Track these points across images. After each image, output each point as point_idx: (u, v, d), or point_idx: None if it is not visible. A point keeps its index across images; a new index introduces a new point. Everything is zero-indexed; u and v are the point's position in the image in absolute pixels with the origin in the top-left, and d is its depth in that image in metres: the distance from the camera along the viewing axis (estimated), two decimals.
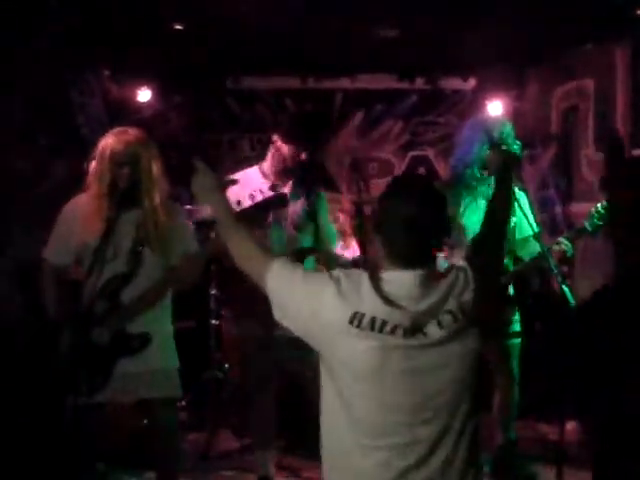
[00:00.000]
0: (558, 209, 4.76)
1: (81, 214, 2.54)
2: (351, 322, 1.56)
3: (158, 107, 5.24)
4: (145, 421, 3.22)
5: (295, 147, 3.14)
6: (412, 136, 5.66)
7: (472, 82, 5.48)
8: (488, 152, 3.06)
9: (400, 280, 1.60)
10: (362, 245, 3.61)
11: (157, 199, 2.54)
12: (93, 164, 2.54)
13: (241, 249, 1.77)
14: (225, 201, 1.84)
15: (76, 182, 2.67)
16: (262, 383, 3.21)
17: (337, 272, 1.65)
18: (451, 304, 1.59)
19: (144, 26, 4.15)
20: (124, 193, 2.48)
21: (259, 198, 3.10)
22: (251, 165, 3.38)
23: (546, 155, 4.97)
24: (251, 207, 2.99)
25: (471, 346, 1.60)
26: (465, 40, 4.32)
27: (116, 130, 2.57)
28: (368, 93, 5.45)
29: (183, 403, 4.21)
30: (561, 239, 3.12)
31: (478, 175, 3.16)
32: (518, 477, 3.41)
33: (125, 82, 5.07)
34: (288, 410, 3.54)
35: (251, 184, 3.17)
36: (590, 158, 4.56)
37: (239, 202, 3.04)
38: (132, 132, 2.56)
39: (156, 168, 2.55)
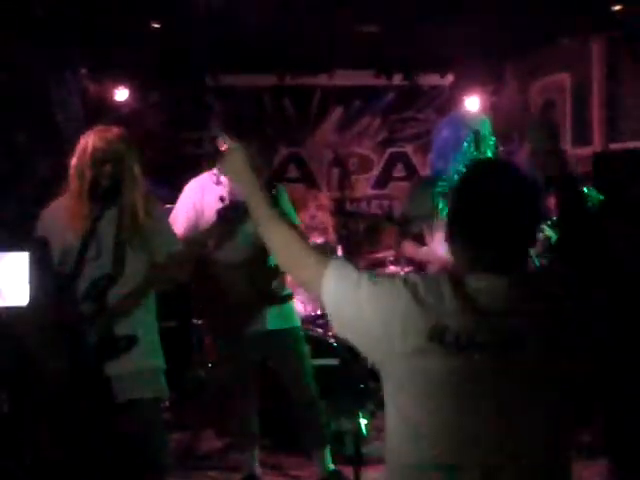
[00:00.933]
0: None
1: (62, 216, 2.50)
2: (431, 338, 1.29)
3: (136, 105, 5.20)
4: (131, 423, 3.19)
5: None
6: (390, 132, 5.68)
7: (450, 78, 5.51)
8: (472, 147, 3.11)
9: (491, 287, 1.32)
10: (346, 241, 3.61)
11: (138, 197, 2.52)
12: (74, 161, 2.50)
13: (285, 248, 1.45)
14: (257, 184, 1.51)
15: (58, 180, 2.63)
16: (240, 383, 3.20)
17: (413, 277, 1.37)
18: (551, 316, 1.32)
19: (122, 24, 4.11)
20: (105, 191, 2.45)
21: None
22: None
23: (523, 150, 5.01)
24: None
25: (565, 362, 1.32)
26: (442, 36, 4.35)
27: (97, 128, 2.54)
28: (346, 89, 5.46)
29: (166, 403, 4.18)
30: (544, 226, 3.16)
31: (460, 171, 3.19)
32: None
33: (103, 80, 5.03)
34: (273, 408, 3.53)
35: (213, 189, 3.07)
36: (568, 152, 4.61)
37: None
38: (114, 130, 2.53)
39: (137, 167, 2.53)
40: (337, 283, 1.38)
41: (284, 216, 1.49)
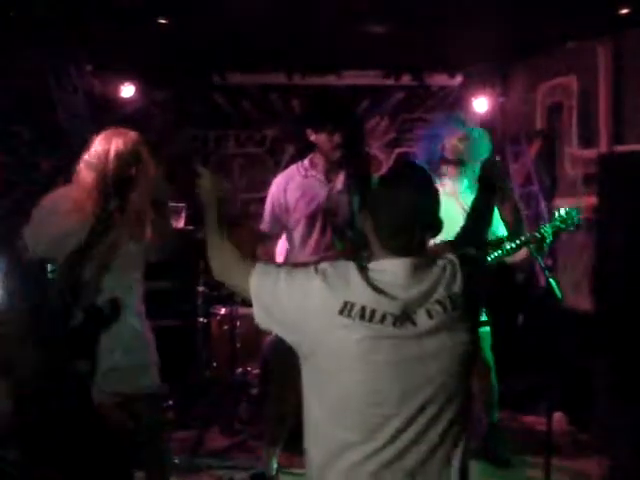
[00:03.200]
0: (542, 205, 4.81)
1: (64, 205, 2.49)
2: (341, 312, 1.54)
3: (142, 103, 5.21)
4: (129, 419, 3.21)
5: (327, 133, 2.99)
6: (399, 133, 5.68)
7: (458, 78, 5.50)
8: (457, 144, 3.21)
9: (390, 268, 1.60)
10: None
11: (147, 199, 2.55)
12: (91, 159, 2.51)
13: (222, 259, 1.77)
14: (217, 210, 1.84)
15: (61, 177, 2.65)
16: (290, 378, 3.17)
17: (323, 265, 1.63)
18: (440, 294, 1.58)
19: (128, 21, 4.11)
20: (119, 190, 2.49)
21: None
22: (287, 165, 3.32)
23: (530, 151, 5.02)
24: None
25: (461, 339, 1.59)
26: (451, 36, 4.35)
27: (115, 130, 2.56)
28: (354, 90, 5.45)
29: (170, 402, 4.19)
30: (541, 227, 3.22)
31: (444, 169, 3.28)
32: (501, 459, 3.48)
33: (108, 78, 5.03)
34: None
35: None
36: (574, 154, 4.61)
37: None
38: (132, 133, 2.57)
39: (149, 168, 2.57)
40: (260, 280, 1.66)
41: (229, 242, 1.78)
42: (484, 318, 3.43)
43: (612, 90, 4.28)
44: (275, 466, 3.22)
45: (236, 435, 3.94)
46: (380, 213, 1.64)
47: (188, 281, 4.37)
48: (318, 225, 3.06)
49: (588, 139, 4.48)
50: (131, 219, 2.51)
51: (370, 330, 1.53)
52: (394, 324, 1.54)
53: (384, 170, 5.67)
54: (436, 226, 1.68)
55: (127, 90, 5.09)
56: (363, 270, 1.60)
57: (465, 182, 3.43)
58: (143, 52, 4.70)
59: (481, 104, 5.14)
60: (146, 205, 2.56)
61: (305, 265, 1.68)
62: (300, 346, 1.63)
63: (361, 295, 1.55)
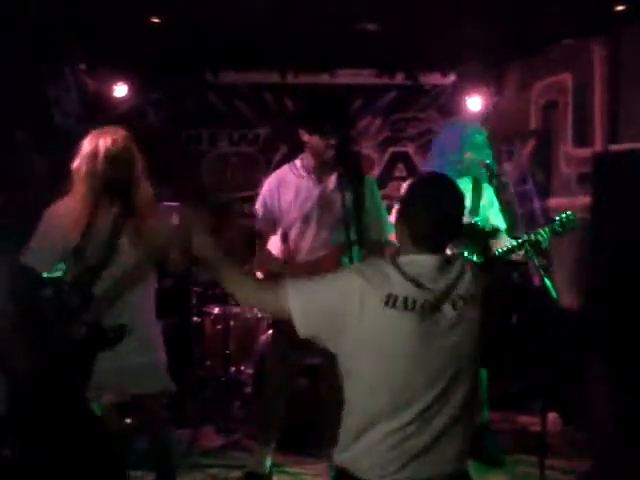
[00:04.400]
0: (537, 204, 4.81)
1: (66, 216, 2.51)
2: (387, 303, 1.70)
3: (135, 102, 5.20)
4: (128, 420, 3.20)
5: (323, 136, 2.98)
6: (392, 132, 5.67)
7: (452, 77, 5.50)
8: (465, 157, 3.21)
9: (422, 262, 1.77)
10: None
11: (144, 197, 2.56)
12: (81, 164, 2.50)
13: (244, 289, 1.86)
14: (221, 258, 1.87)
15: (55, 178, 2.64)
16: (284, 379, 3.18)
17: (357, 264, 1.86)
18: (462, 289, 1.76)
19: (121, 19, 4.10)
20: (114, 192, 2.47)
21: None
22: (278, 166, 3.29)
23: (525, 150, 5.02)
24: None
25: (477, 329, 1.77)
26: (445, 35, 4.34)
27: (104, 130, 2.54)
28: (348, 88, 5.44)
29: (164, 401, 4.17)
30: (538, 232, 3.22)
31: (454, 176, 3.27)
32: (490, 458, 3.48)
33: (102, 76, 5.01)
34: None
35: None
36: (569, 153, 4.61)
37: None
38: (121, 132, 2.55)
39: (141, 167, 2.56)
40: (298, 294, 1.76)
41: (240, 271, 1.89)
42: None
43: (607, 88, 4.28)
44: (269, 464, 3.21)
45: (230, 434, 3.93)
46: (414, 209, 1.81)
47: (182, 280, 4.36)
48: (313, 225, 3.07)
49: (583, 138, 4.48)
50: (137, 222, 2.51)
51: (414, 318, 1.70)
52: (431, 311, 1.72)
53: (377, 169, 5.70)
54: (460, 231, 1.88)
55: (120, 89, 5.08)
56: (397, 265, 1.76)
57: (467, 183, 3.41)
58: (136, 51, 4.69)
59: (475, 103, 5.14)
60: (149, 205, 2.55)
61: (338, 270, 1.86)
62: (342, 346, 1.76)
63: (402, 287, 1.72)
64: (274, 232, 3.18)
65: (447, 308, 1.74)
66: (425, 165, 3.56)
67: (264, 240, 3.18)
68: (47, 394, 2.26)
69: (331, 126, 2.95)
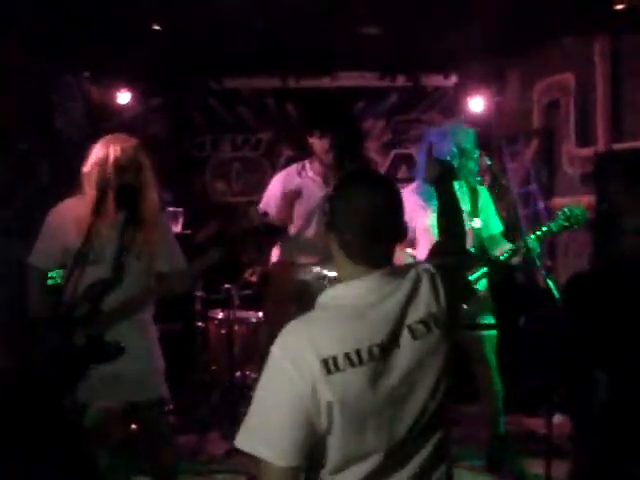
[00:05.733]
0: (540, 204, 4.79)
1: (70, 218, 2.53)
2: (329, 371, 1.37)
3: (139, 109, 5.21)
4: (133, 425, 3.20)
5: (320, 138, 3.03)
6: (395, 134, 5.67)
7: (453, 78, 5.49)
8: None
9: (362, 289, 1.46)
10: None
11: (153, 206, 2.57)
12: (91, 169, 2.51)
13: None
14: None
15: (58, 184, 2.65)
16: None
17: (275, 346, 1.42)
18: (423, 312, 1.47)
19: (124, 27, 4.11)
20: (124, 199, 2.49)
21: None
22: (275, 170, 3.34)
23: (528, 150, 5.00)
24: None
25: (444, 350, 1.49)
26: (445, 36, 4.33)
27: (114, 137, 2.56)
28: (349, 91, 5.44)
29: (171, 406, 4.17)
30: (527, 238, 3.21)
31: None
32: (510, 471, 3.45)
33: (106, 84, 5.03)
34: None
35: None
36: (571, 152, 4.59)
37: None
38: (130, 140, 2.57)
39: (150, 176, 2.57)
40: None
41: None
42: (492, 321, 3.43)
43: (610, 86, 4.26)
44: None
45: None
46: (344, 222, 1.48)
47: None
48: (314, 225, 3.10)
49: (586, 137, 4.46)
50: (143, 234, 2.52)
51: (363, 372, 1.39)
52: (381, 353, 1.41)
53: (384, 171, 5.69)
54: (402, 231, 1.55)
55: (123, 96, 5.09)
56: (318, 316, 1.46)
57: (462, 186, 3.40)
58: (139, 58, 4.70)
59: (477, 104, 5.12)
60: (155, 215, 2.57)
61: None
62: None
63: (339, 343, 1.40)
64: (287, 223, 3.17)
65: (405, 339, 1.43)
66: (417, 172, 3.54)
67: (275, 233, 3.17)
68: (21, 395, 2.28)
69: (321, 127, 2.98)
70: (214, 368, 4.44)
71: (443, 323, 1.49)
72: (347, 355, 1.39)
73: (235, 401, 4.21)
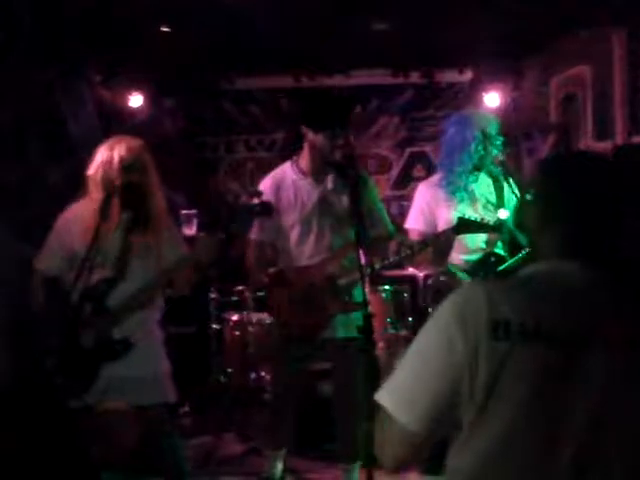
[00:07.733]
0: None
1: (78, 221, 2.53)
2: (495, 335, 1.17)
3: (151, 111, 5.22)
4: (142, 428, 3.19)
5: (330, 136, 2.92)
6: (409, 131, 5.61)
7: (468, 74, 5.42)
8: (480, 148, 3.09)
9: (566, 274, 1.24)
10: None
11: (159, 206, 2.57)
12: (96, 171, 2.51)
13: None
14: None
15: (70, 189, 2.66)
16: (292, 384, 3.13)
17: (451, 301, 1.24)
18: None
19: (134, 30, 4.12)
20: (130, 200, 2.49)
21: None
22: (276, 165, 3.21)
23: (545, 145, 4.92)
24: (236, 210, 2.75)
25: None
26: (460, 32, 4.28)
27: (119, 138, 2.56)
28: (363, 89, 5.40)
29: (186, 408, 4.18)
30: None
31: (470, 171, 3.15)
32: None
33: (117, 87, 5.05)
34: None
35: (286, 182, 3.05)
36: (589, 146, 4.51)
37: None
38: (136, 141, 2.56)
39: (155, 177, 2.56)
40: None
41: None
42: None
43: (627, 79, 4.17)
44: (280, 469, 3.19)
45: (251, 441, 3.91)
46: (560, 207, 1.27)
47: (200, 288, 4.36)
48: (314, 227, 3.01)
49: (604, 131, 4.37)
50: (149, 233, 2.52)
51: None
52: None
53: (395, 170, 5.64)
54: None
55: (135, 99, 5.11)
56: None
57: (486, 178, 3.29)
58: (150, 60, 4.71)
59: (493, 99, 5.05)
60: (161, 216, 2.57)
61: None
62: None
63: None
64: (272, 238, 3.09)
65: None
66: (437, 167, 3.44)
67: (262, 248, 3.12)
68: (21, 396, 2.27)
69: (340, 127, 2.92)
70: (229, 370, 4.43)
71: None
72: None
73: (250, 402, 4.20)
